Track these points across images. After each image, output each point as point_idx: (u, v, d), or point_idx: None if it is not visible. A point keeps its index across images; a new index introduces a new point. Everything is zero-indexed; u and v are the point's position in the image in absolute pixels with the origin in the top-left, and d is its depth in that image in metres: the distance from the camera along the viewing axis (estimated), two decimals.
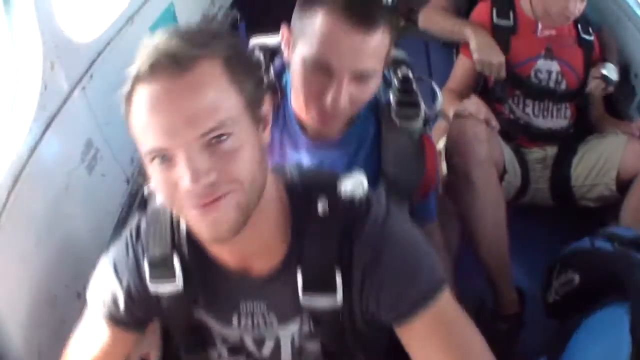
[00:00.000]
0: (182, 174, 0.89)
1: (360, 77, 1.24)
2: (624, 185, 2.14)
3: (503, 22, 2.35)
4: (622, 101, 2.63)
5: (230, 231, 0.94)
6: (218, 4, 3.02)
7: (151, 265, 1.08)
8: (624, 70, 2.56)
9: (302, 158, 1.39)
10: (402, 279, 1.02)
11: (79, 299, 1.47)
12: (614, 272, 1.49)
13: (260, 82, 1.03)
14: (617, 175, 2.16)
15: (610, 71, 2.37)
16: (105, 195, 1.81)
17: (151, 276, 1.09)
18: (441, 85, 2.42)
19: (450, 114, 2.08)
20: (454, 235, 1.97)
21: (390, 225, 1.04)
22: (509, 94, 2.33)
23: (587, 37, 2.40)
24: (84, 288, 1.19)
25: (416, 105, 1.42)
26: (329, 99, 1.23)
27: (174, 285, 1.08)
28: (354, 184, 1.07)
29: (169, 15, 2.45)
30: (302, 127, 1.39)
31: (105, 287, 1.14)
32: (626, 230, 1.73)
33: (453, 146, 1.95)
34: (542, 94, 2.33)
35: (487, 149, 1.95)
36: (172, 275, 1.07)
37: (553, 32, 2.33)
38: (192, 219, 0.95)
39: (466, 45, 2.38)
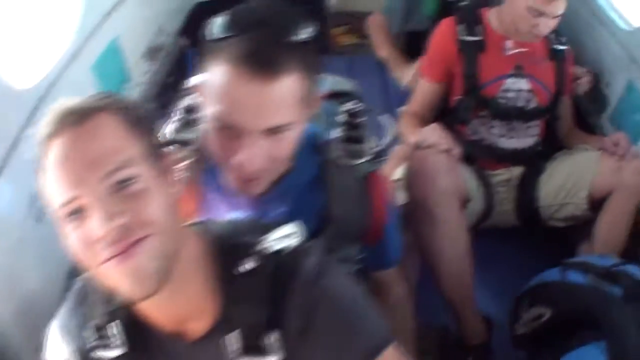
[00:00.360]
0: (95, 220, 0.88)
1: (274, 131, 1.09)
2: (596, 204, 2.06)
3: (470, 39, 2.20)
4: (592, 113, 2.55)
5: (152, 282, 0.91)
6: (166, 31, 2.92)
7: (92, 332, 1.05)
8: (595, 80, 2.48)
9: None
10: (338, 341, 0.98)
11: (37, 353, 1.40)
12: (588, 308, 1.43)
13: (159, 137, 1.03)
14: (589, 194, 2.07)
15: None
16: (57, 244, 1.74)
17: (92, 343, 1.05)
18: (399, 103, 2.38)
19: (411, 140, 2.00)
20: (413, 268, 1.90)
21: (323, 282, 0.99)
22: (473, 115, 2.22)
23: (559, 47, 2.27)
24: (43, 341, 1.15)
25: (362, 141, 1.31)
26: (240, 161, 1.10)
27: (114, 352, 1.04)
28: (282, 237, 1.02)
29: (114, 50, 2.34)
30: None
31: (56, 353, 1.10)
32: (600, 258, 1.67)
33: (413, 178, 1.87)
34: (511, 114, 2.20)
35: (448, 180, 1.86)
36: (110, 343, 1.04)
37: (523, 49, 2.20)
38: (111, 274, 0.91)
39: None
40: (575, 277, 1.56)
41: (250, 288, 0.98)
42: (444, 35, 2.25)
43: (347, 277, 1.04)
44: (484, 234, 2.11)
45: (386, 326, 1.01)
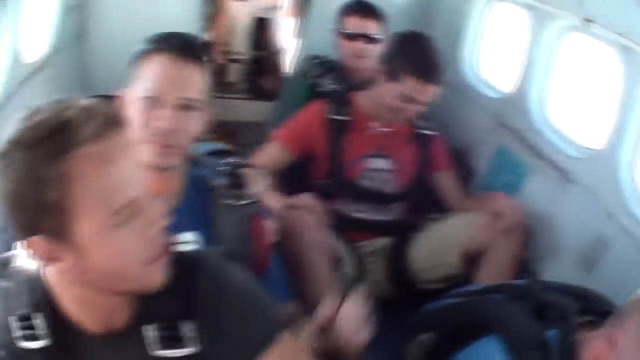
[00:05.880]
0: None
1: (186, 107, 1.42)
2: (471, 261, 2.09)
3: (337, 118, 2.28)
4: (463, 184, 2.56)
5: None
6: None
7: (17, 322, 1.08)
8: (460, 154, 2.61)
9: None
10: (242, 327, 1.10)
11: None
12: (472, 317, 1.40)
13: None
14: (463, 252, 2.10)
15: None
16: None
17: (17, 334, 1.08)
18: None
19: (275, 204, 1.99)
20: None
21: (224, 274, 1.13)
22: (337, 196, 2.27)
23: (425, 131, 2.36)
24: None
25: (243, 187, 1.54)
26: (161, 124, 1.40)
27: (38, 343, 1.08)
28: (184, 242, 1.15)
29: None
30: None
31: None
32: (474, 286, 1.67)
33: (286, 234, 1.89)
34: (370, 197, 2.29)
35: (317, 236, 1.95)
36: (35, 334, 1.07)
37: (386, 130, 2.29)
38: None
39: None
40: (452, 300, 1.54)
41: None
42: (312, 113, 2.32)
43: (245, 274, 1.19)
44: None
45: (279, 315, 1.17)
